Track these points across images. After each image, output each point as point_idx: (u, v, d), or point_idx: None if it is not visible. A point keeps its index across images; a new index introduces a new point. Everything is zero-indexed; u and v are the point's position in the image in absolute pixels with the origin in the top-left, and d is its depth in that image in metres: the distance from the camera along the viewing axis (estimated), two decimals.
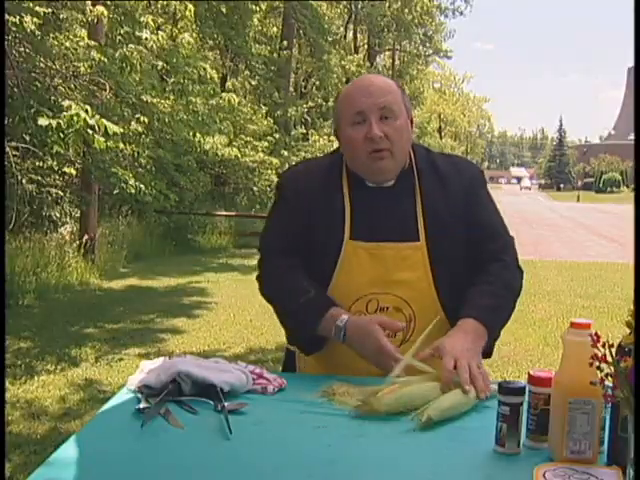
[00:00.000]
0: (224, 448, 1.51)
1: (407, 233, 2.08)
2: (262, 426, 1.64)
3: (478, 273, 2.09)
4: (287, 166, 19.43)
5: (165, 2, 10.58)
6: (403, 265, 2.06)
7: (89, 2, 8.83)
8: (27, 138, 7.87)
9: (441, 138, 55.12)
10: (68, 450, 1.52)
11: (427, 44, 37.08)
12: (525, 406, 1.48)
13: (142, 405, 1.72)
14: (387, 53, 39.23)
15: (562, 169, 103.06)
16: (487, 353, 2.08)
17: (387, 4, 32.26)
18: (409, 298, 2.06)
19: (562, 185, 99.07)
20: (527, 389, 1.48)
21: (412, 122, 2.15)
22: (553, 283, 11.62)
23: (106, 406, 1.79)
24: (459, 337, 1.91)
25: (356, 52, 32.46)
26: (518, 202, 50.43)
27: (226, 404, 1.70)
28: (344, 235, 2.07)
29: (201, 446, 1.53)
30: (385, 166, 2.06)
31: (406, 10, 32.73)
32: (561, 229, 24.46)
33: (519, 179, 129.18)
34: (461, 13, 36.61)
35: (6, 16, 7.87)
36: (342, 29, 32.50)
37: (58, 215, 11.63)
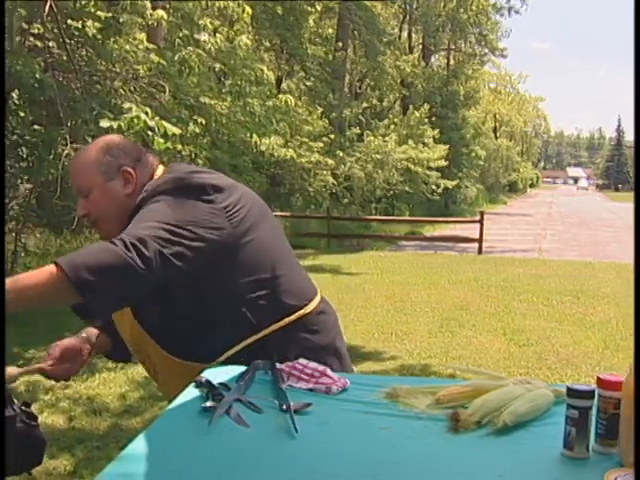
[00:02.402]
0: (290, 448, 1.52)
1: None
2: (327, 426, 1.65)
3: None
4: (342, 167, 19.49)
5: (222, 5, 10.66)
6: None
7: (149, 6, 8.96)
8: (89, 140, 8.01)
9: (496, 138, 54.47)
10: (138, 446, 1.55)
11: (482, 43, 36.67)
12: (594, 410, 1.46)
13: (208, 403, 1.74)
14: (442, 53, 38.95)
15: (620, 169, 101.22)
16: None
17: (442, 4, 32.08)
18: None
19: (620, 185, 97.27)
20: (596, 393, 1.46)
21: (123, 173, 2.16)
22: (612, 285, 11.42)
23: (173, 404, 1.82)
24: None
25: (411, 52, 32.32)
26: (575, 203, 49.67)
27: (291, 404, 1.71)
28: None
29: (267, 445, 1.55)
30: (100, 235, 2.20)
31: (461, 9, 32.49)
32: (619, 230, 24.00)
33: (576, 179, 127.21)
34: (517, 12, 36.22)
35: (69, 21, 8.05)
36: (397, 29, 32.40)
37: None
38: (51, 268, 1.77)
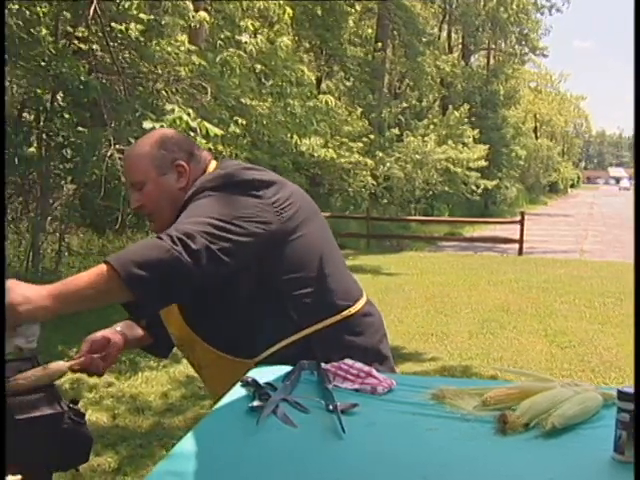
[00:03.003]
0: (337, 448, 1.53)
1: None
2: (374, 427, 1.65)
3: None
4: (382, 167, 19.46)
5: (263, 6, 10.71)
6: None
7: (191, 8, 9.03)
8: (132, 141, 8.10)
9: (537, 138, 53.93)
10: (187, 445, 1.57)
11: (523, 42, 36.38)
12: None
13: (255, 403, 1.76)
14: (482, 52, 38.69)
15: None
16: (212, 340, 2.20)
17: (482, 3, 31.86)
18: None
19: None
20: None
21: (177, 168, 2.19)
22: None
23: (220, 403, 1.84)
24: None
25: (450, 52, 32.16)
26: (616, 203, 48.99)
27: (338, 404, 1.72)
28: None
29: (314, 445, 1.55)
30: (153, 228, 2.25)
31: (501, 8, 32.23)
32: None
33: (617, 179, 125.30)
34: (558, 10, 35.89)
35: (113, 23, 8.15)
36: (436, 29, 32.26)
37: None
38: (101, 267, 1.79)
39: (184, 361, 6.41)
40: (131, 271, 1.76)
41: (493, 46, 37.54)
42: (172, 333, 2.31)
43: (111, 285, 1.77)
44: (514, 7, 32.40)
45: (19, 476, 1.67)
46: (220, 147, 9.01)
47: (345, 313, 2.16)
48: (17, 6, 7.55)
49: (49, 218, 8.94)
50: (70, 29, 8.50)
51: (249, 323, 2.12)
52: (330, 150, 14.14)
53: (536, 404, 1.65)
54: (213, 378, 2.28)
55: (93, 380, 5.78)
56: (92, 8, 7.73)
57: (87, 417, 1.96)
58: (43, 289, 1.73)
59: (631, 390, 1.44)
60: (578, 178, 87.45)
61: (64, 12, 8.30)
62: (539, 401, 1.66)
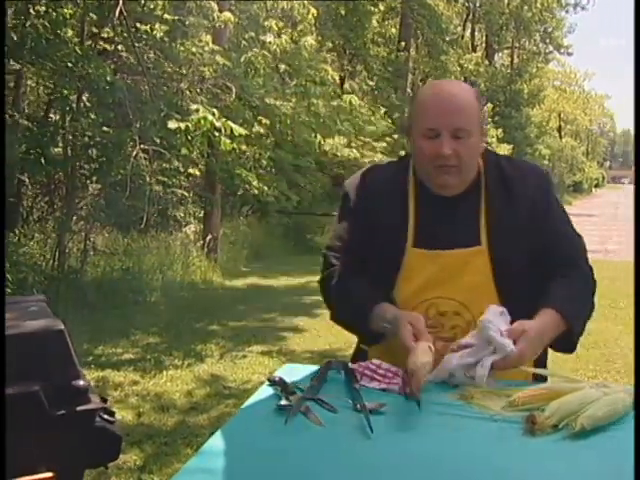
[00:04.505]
0: (365, 447, 1.54)
1: (469, 239, 2.07)
2: (402, 427, 1.65)
3: (551, 275, 2.06)
4: None
5: (287, 6, 10.74)
6: (464, 270, 2.05)
7: (216, 8, 9.07)
8: (157, 141, 8.16)
9: (561, 138, 53.58)
10: (216, 443, 1.58)
11: (547, 41, 36.15)
12: None
13: (283, 402, 1.77)
14: (506, 51, 38.47)
15: None
16: (570, 348, 2.09)
17: (506, 1, 31.67)
18: (469, 303, 2.05)
19: None
20: None
21: (485, 133, 2.14)
22: None
23: (248, 402, 1.85)
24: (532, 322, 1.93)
25: (474, 51, 32.01)
26: None
27: (366, 403, 1.72)
28: (407, 243, 2.08)
29: (342, 444, 1.56)
30: (449, 181, 2.07)
31: (525, 7, 32.02)
32: None
33: None
34: (583, 8, 35.56)
35: (138, 24, 8.21)
36: (460, 28, 32.11)
37: (182, 215, 12.00)
38: None
39: (208, 360, 6.46)
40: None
41: (517, 45, 37.31)
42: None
43: None
44: (538, 5, 32.19)
45: (50, 473, 1.69)
46: (244, 147, 9.06)
47: None
48: (44, 8, 7.63)
49: (74, 217, 8.99)
50: (96, 30, 8.56)
51: None
52: (353, 150, 14.15)
53: (565, 405, 1.64)
54: None
55: (118, 378, 5.83)
56: (118, 9, 7.78)
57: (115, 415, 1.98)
58: None
59: None
60: (603, 178, 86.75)
61: (90, 13, 8.36)
62: (568, 402, 1.65)
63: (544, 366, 2.14)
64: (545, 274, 2.06)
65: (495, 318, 1.87)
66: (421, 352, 1.77)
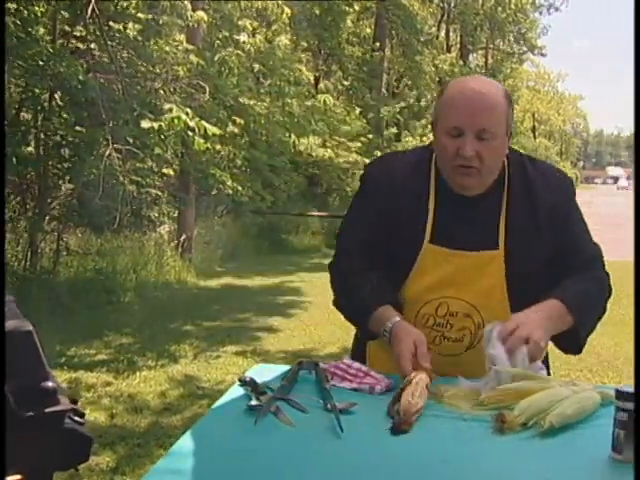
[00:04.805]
0: (335, 447, 1.53)
1: (487, 242, 2.05)
2: (371, 426, 1.65)
3: (566, 276, 2.05)
4: None
5: (261, 5, 10.73)
6: (479, 273, 2.04)
7: (189, 8, 9.04)
8: (130, 140, 8.10)
9: (535, 138, 54.02)
10: (185, 443, 1.57)
11: (521, 42, 36.37)
12: None
13: (253, 402, 1.76)
14: (480, 51, 38.65)
15: None
16: (576, 347, 2.09)
17: (480, 2, 31.82)
18: (480, 306, 2.04)
19: None
20: None
21: (511, 134, 2.07)
22: None
23: (219, 402, 1.84)
24: (530, 311, 1.91)
25: (449, 51, 32.12)
26: (615, 202, 48.97)
27: (336, 403, 1.72)
28: (424, 238, 2.06)
29: (312, 444, 1.56)
30: (469, 182, 2.03)
31: (499, 8, 32.18)
32: None
33: (615, 179, 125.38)
34: (557, 9, 35.81)
35: (111, 23, 8.15)
36: (434, 28, 32.22)
37: (156, 215, 11.93)
38: None
39: (182, 360, 6.43)
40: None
41: (491, 45, 37.50)
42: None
43: None
44: (512, 6, 32.36)
45: (18, 476, 1.67)
46: (218, 146, 9.03)
47: None
48: (15, 5, 7.55)
49: (47, 217, 8.92)
50: (68, 28, 8.49)
51: None
52: (328, 150, 14.16)
53: (534, 403, 1.65)
54: None
55: (91, 380, 5.79)
56: (90, 7, 7.72)
57: (86, 417, 1.96)
58: None
59: (629, 389, 1.44)
60: (576, 178, 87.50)
61: (62, 11, 8.29)
62: (537, 400, 1.66)
63: (546, 364, 2.15)
64: (562, 276, 2.04)
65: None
66: (416, 391, 1.74)
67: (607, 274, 2.16)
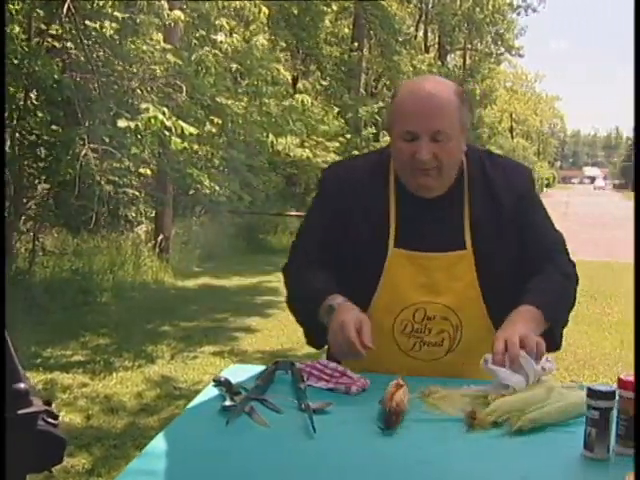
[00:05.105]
0: (308, 447, 1.54)
1: (454, 242, 2.05)
2: (346, 426, 1.65)
3: (531, 269, 2.05)
4: None
5: (239, 5, 10.71)
6: (450, 274, 2.03)
7: (166, 7, 9.00)
8: (106, 140, 8.05)
9: (513, 138, 54.32)
10: (159, 444, 1.57)
11: (498, 42, 36.57)
12: (615, 411, 1.46)
13: (227, 403, 1.76)
14: (458, 52, 38.85)
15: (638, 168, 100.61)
16: (554, 344, 2.09)
17: (458, 3, 31.96)
18: (456, 307, 2.03)
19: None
20: (617, 394, 1.46)
21: (467, 132, 2.05)
22: (629, 286, 11.33)
23: (194, 402, 1.84)
24: (509, 322, 1.90)
25: (427, 51, 32.23)
26: (591, 202, 49.39)
27: (310, 403, 1.72)
28: (389, 243, 2.04)
29: (285, 444, 1.56)
30: (428, 182, 2.01)
31: (477, 9, 32.34)
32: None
33: (592, 179, 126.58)
34: (534, 10, 36.07)
35: (87, 21, 8.09)
36: (413, 29, 32.30)
37: (134, 215, 11.87)
38: None
39: (159, 361, 6.40)
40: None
41: (469, 46, 37.70)
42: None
43: None
44: (490, 7, 32.53)
45: None
46: (196, 146, 9.00)
47: None
48: None
49: (23, 218, 8.86)
50: (44, 27, 8.42)
51: None
52: (306, 150, 14.15)
53: (507, 404, 1.65)
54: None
55: (67, 381, 5.75)
56: (66, 6, 7.67)
57: (61, 418, 1.94)
58: None
59: (601, 387, 1.45)
60: (553, 178, 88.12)
61: (37, 9, 8.22)
62: (511, 401, 1.67)
63: None
64: (526, 268, 2.05)
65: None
66: (405, 395, 1.72)
67: (572, 262, 2.17)
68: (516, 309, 1.93)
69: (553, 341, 2.06)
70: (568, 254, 2.18)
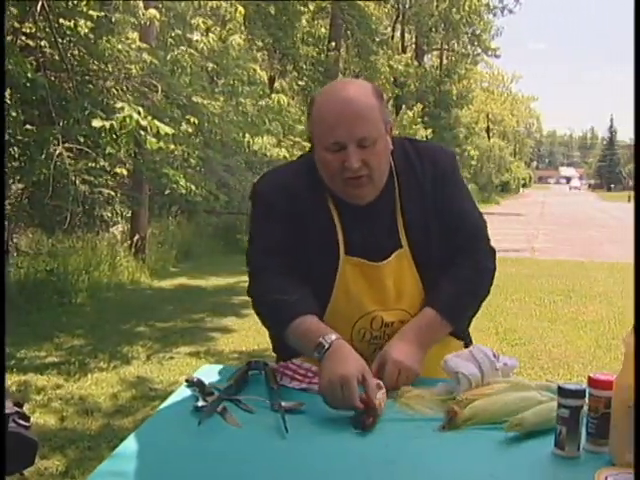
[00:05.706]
0: (280, 447, 1.53)
1: (392, 244, 2.04)
2: (319, 425, 1.65)
3: (450, 262, 2.08)
4: None
5: (215, 5, 10.68)
6: (397, 277, 2.04)
7: (141, 5, 8.95)
8: (81, 139, 7.99)
9: (489, 138, 54.60)
10: (130, 445, 1.56)
11: (475, 43, 36.77)
12: (585, 409, 1.47)
13: (200, 403, 1.75)
14: (435, 53, 39.03)
15: (612, 169, 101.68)
16: (460, 333, 2.18)
17: (435, 3, 32.09)
18: (410, 308, 2.05)
19: (613, 185, 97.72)
20: (587, 392, 1.47)
21: (391, 129, 2.02)
22: (604, 285, 11.45)
23: (166, 403, 1.83)
24: (406, 342, 1.96)
25: (404, 52, 32.35)
26: (567, 202, 49.80)
27: (283, 403, 1.71)
28: (340, 249, 2.02)
29: (257, 444, 1.55)
30: (363, 193, 1.99)
31: (454, 9, 32.49)
32: (612, 230, 24.07)
33: (568, 179, 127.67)
34: (510, 11, 36.30)
35: (61, 20, 8.02)
36: (390, 29, 32.40)
37: (109, 215, 11.80)
38: None
39: (134, 362, 6.36)
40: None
41: (446, 46, 37.89)
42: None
43: None
44: (466, 8, 32.68)
45: None
46: (172, 146, 8.95)
47: None
48: None
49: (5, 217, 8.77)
50: (17, 25, 8.34)
51: None
52: (283, 149, 14.11)
53: (483, 405, 1.65)
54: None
55: (41, 382, 5.70)
56: (40, 4, 7.60)
57: (34, 420, 1.93)
58: None
59: (571, 386, 1.46)
60: (530, 178, 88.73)
61: (10, 7, 8.14)
62: (491, 403, 1.66)
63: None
64: (447, 256, 2.08)
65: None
66: (375, 387, 1.72)
67: (491, 250, 2.18)
68: (420, 314, 2.02)
69: (459, 333, 2.19)
70: (488, 241, 2.18)
